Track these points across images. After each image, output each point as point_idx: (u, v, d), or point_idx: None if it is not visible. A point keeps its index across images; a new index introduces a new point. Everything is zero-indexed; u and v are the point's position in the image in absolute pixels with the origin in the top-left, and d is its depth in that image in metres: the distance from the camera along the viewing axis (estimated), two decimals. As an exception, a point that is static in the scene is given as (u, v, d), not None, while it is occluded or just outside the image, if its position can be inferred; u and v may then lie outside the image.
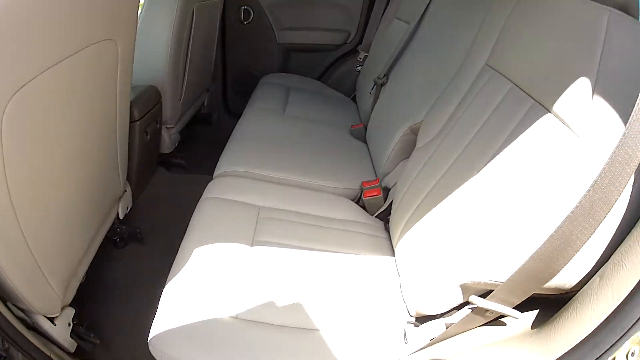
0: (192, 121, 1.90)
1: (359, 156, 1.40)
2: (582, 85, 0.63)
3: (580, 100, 0.62)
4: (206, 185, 1.10)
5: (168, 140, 1.62)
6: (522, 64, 0.82)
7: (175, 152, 1.71)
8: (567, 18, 0.74)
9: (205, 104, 2.07)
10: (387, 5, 1.96)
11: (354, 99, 1.96)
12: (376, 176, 1.27)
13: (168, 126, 1.60)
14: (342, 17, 2.12)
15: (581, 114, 0.61)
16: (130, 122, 1.18)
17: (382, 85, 1.52)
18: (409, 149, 1.16)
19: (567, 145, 0.62)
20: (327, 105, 1.81)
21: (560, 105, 0.66)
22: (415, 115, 1.15)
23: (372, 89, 1.57)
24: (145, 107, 1.33)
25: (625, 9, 0.67)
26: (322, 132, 1.50)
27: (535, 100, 0.73)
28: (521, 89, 0.78)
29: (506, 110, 0.79)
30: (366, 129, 1.54)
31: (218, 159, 1.24)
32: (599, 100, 0.60)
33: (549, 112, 0.68)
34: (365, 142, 1.51)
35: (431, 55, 1.28)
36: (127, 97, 1.07)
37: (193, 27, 1.56)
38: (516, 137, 0.72)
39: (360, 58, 2.01)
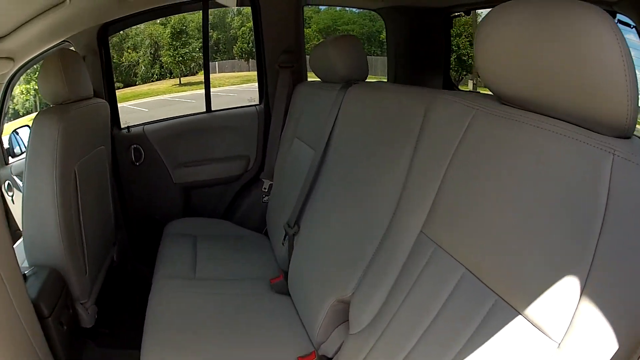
0: (107, 278, 1.67)
1: (288, 322, 1.21)
2: (567, 281, 0.50)
3: (561, 296, 0.50)
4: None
5: (86, 315, 1.43)
6: (473, 240, 0.66)
7: (98, 322, 1.50)
8: (541, 165, 0.58)
9: (115, 258, 1.81)
10: (284, 122, 1.87)
11: (266, 233, 1.79)
12: (309, 340, 1.11)
13: (82, 302, 1.42)
14: (239, 142, 2.01)
15: (561, 316, 0.50)
16: (41, 319, 1.10)
17: (294, 234, 1.36)
18: (342, 315, 1.01)
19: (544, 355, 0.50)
20: (239, 252, 1.61)
21: (534, 305, 0.53)
22: (343, 287, 0.99)
23: (284, 238, 1.41)
24: (52, 299, 1.21)
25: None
26: (241, 296, 1.31)
27: (498, 295, 0.59)
28: (478, 278, 0.64)
29: (464, 303, 0.65)
30: (287, 279, 1.35)
31: (141, 323, 1.13)
32: (591, 295, 0.48)
33: (519, 313, 0.55)
34: (289, 294, 1.32)
35: (348, 199, 1.13)
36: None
37: (79, 190, 1.38)
38: (482, 342, 0.58)
39: (265, 188, 1.88)
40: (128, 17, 1.81)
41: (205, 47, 2.09)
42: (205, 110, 2.04)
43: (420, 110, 0.92)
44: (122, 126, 1.93)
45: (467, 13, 2.36)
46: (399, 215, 0.88)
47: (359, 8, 2.99)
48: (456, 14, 2.38)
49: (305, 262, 1.25)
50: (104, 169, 1.69)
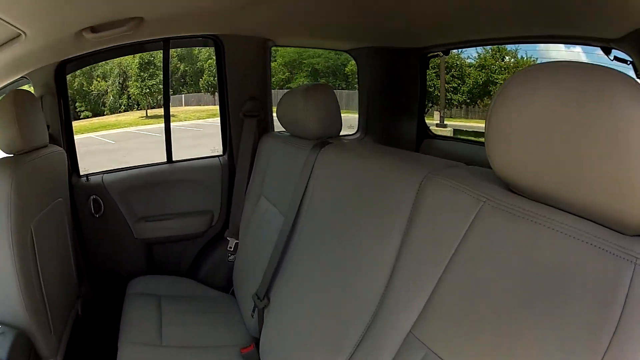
0: (74, 333, 1.59)
1: None
2: None
3: None
4: None
5: (53, 374, 1.34)
6: (473, 347, 0.58)
7: None
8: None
9: (80, 312, 1.72)
10: (249, 177, 1.75)
11: (233, 293, 1.67)
12: None
13: None
14: (201, 196, 1.88)
15: None
16: None
17: (264, 307, 1.24)
18: None
19: None
20: (206, 315, 1.53)
21: None
22: None
23: (252, 310, 1.29)
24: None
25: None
26: None
27: None
28: None
29: None
30: (258, 349, 1.25)
31: None
32: None
33: None
34: None
35: (324, 277, 1.00)
36: None
37: (37, 248, 1.30)
38: None
39: (230, 247, 1.74)
40: (87, 55, 1.71)
41: (165, 91, 1.97)
42: (166, 159, 1.91)
43: (412, 188, 0.80)
44: (82, 173, 1.82)
45: (446, 53, 2.28)
46: (385, 310, 0.76)
47: (329, 49, 2.94)
48: (433, 53, 2.28)
49: (278, 340, 1.13)
50: (63, 222, 1.59)
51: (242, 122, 1.82)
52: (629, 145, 0.47)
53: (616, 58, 1.45)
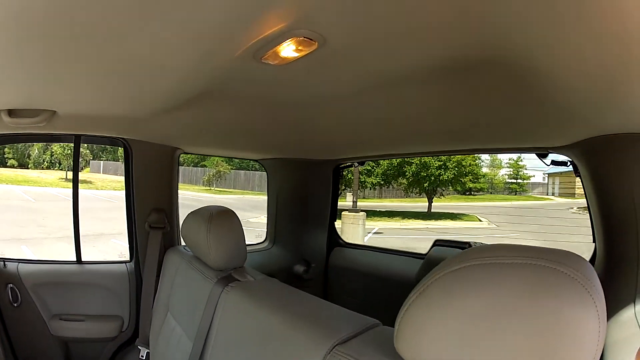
0: None
1: None
2: None
3: None
4: None
5: None
6: None
7: None
8: None
9: None
10: (156, 288, 1.73)
11: None
12: None
13: None
14: (111, 300, 1.84)
15: None
16: None
17: None
18: None
19: None
20: None
21: None
22: None
23: None
24: None
25: None
26: None
27: None
28: None
29: None
30: None
31: None
32: None
33: None
34: None
35: None
36: None
37: None
38: None
39: (142, 356, 1.71)
40: (5, 136, 1.69)
41: (75, 186, 1.96)
42: (75, 259, 1.88)
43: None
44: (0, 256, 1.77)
45: (362, 163, 2.25)
46: None
47: (239, 159, 2.91)
48: (347, 164, 2.28)
49: None
50: None
51: (148, 233, 1.79)
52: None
53: (554, 162, 1.52)
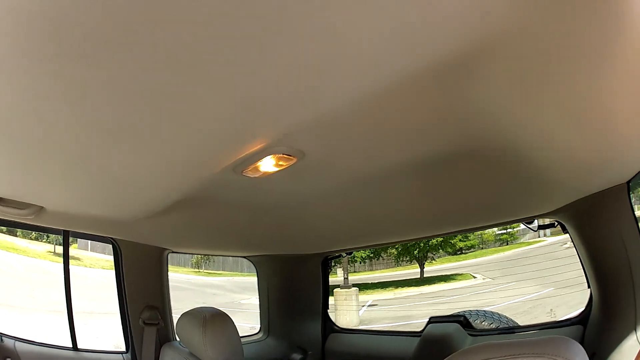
0: None
1: None
2: None
3: None
4: None
5: None
6: None
7: None
8: None
9: None
10: None
11: None
12: None
13: None
14: None
15: None
16: None
17: None
18: None
19: None
20: None
21: None
22: None
23: None
24: None
25: None
26: None
27: None
28: None
29: None
30: None
31: None
32: None
33: None
34: None
35: None
36: None
37: None
38: None
39: None
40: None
41: (66, 278, 1.92)
42: (71, 345, 1.84)
43: None
44: None
45: (349, 253, 2.31)
46: None
47: (229, 256, 2.95)
48: (335, 255, 2.31)
49: None
50: None
51: (143, 330, 1.79)
52: None
53: (540, 226, 1.57)
